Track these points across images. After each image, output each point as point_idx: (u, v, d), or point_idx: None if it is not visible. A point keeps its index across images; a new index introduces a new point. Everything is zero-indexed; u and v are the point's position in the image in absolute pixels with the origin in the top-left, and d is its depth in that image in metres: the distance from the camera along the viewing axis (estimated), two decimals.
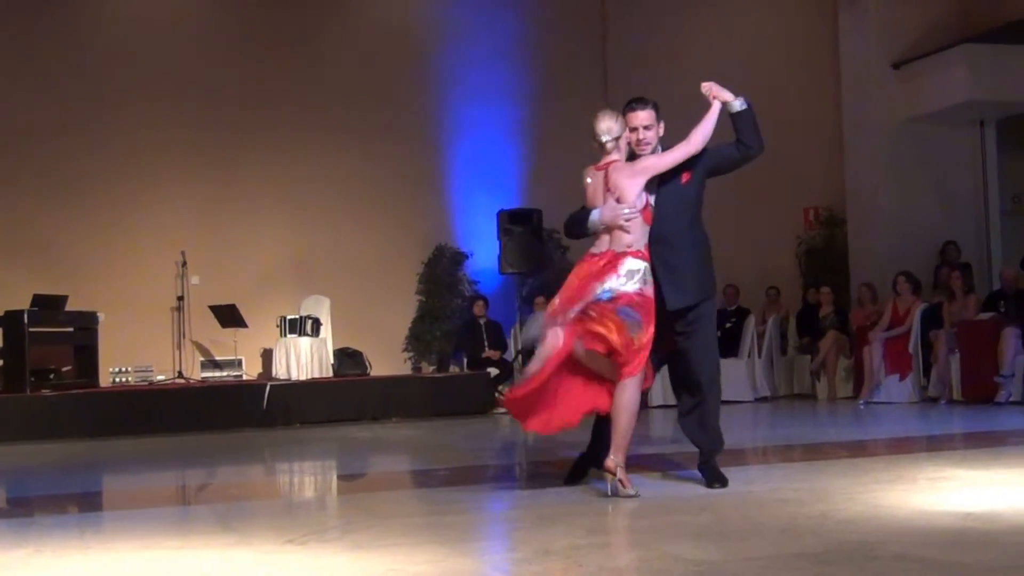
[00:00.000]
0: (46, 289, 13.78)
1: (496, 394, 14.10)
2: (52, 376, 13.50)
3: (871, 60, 14.88)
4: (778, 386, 15.11)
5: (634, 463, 6.89)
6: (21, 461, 10.35)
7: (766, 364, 14.98)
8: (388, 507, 6.46)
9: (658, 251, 6.24)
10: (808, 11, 16.22)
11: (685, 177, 6.35)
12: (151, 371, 14.46)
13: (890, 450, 8.79)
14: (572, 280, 6.20)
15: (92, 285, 14.66)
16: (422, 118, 16.53)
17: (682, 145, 6.26)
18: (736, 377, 14.13)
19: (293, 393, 13.66)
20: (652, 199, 6.27)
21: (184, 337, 15.12)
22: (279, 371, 14.19)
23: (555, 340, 5.99)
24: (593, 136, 6.29)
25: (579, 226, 6.40)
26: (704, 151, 6.32)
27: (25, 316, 12.91)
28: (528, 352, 7.08)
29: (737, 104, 6.35)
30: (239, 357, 14.94)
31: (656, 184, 6.30)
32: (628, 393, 6.11)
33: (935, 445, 9.04)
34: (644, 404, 7.18)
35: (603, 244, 6.21)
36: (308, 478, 9.10)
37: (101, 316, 13.89)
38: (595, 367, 6.09)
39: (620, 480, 6.06)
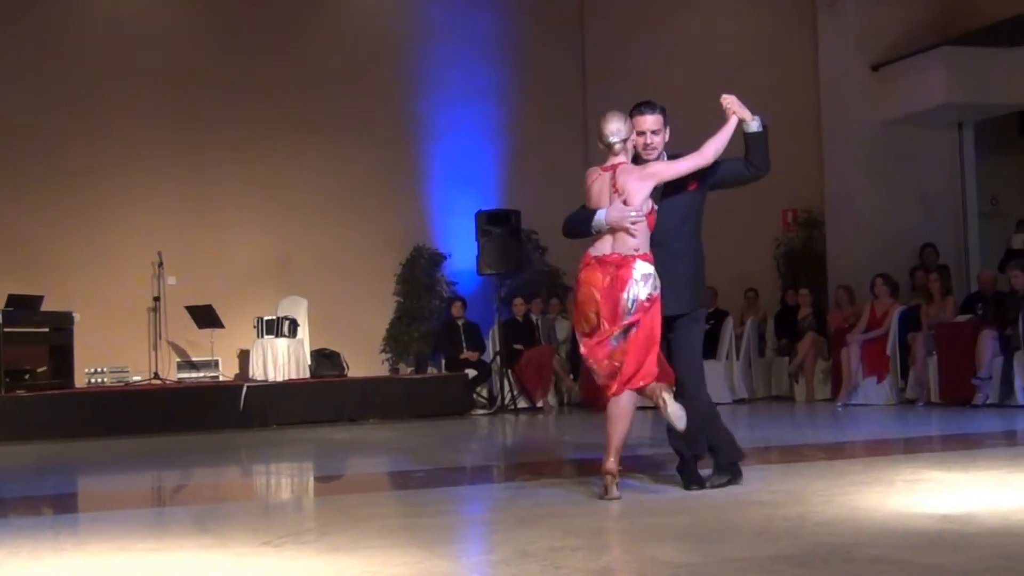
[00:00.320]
0: (21, 289, 13.71)
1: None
2: (27, 377, 13.45)
3: (850, 62, 14.90)
4: (756, 388, 15.13)
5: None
6: None
7: (744, 366, 15.00)
8: (365, 509, 6.42)
9: (659, 256, 6.21)
10: (787, 13, 16.24)
11: (692, 185, 6.34)
12: (127, 372, 14.37)
13: (868, 452, 8.81)
14: (592, 293, 6.11)
15: (68, 285, 14.59)
16: (400, 118, 16.51)
17: (694, 155, 6.22)
18: (714, 379, 14.11)
19: (270, 394, 13.62)
20: (655, 205, 6.23)
21: (160, 338, 15.07)
22: (256, 372, 14.14)
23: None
24: (600, 137, 6.23)
25: (581, 225, 6.32)
26: (715, 161, 6.30)
27: (0, 316, 12.84)
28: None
29: (754, 125, 6.34)
30: (216, 358, 14.88)
31: (662, 189, 6.27)
32: (627, 401, 6.12)
33: (912, 447, 9.05)
34: None
35: (605, 246, 6.16)
36: (285, 480, 9.07)
37: (77, 316, 13.82)
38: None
39: (617, 483, 6.05)
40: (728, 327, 14.82)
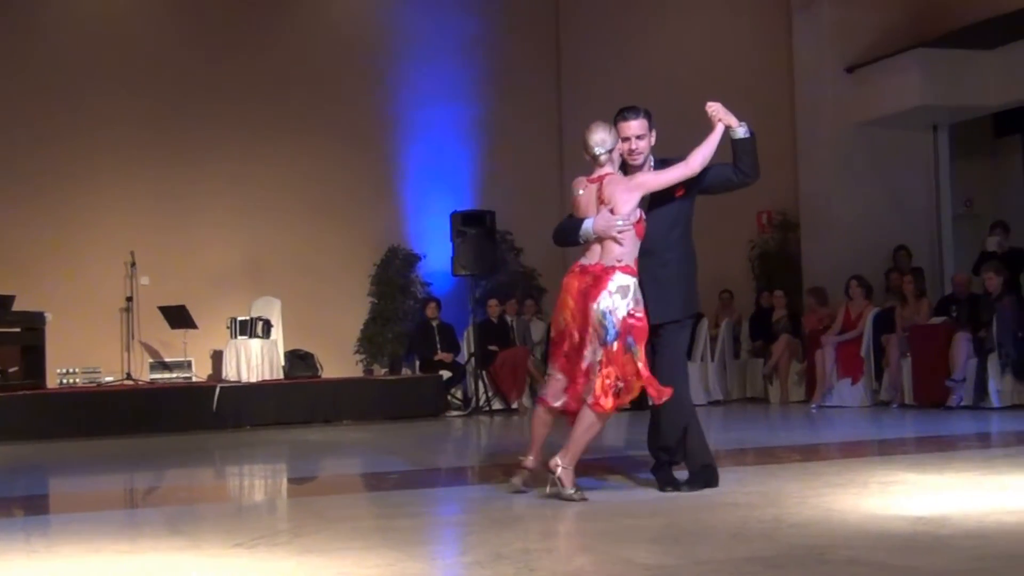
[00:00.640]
0: None
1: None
2: None
3: (824, 64, 14.93)
4: (731, 390, 15.15)
5: (589, 466, 6.87)
6: None
7: (719, 368, 15.02)
8: (338, 510, 6.40)
9: (646, 264, 6.22)
10: (762, 14, 16.26)
11: (680, 191, 6.31)
12: (99, 372, 14.32)
13: (842, 454, 8.83)
14: (566, 299, 6.17)
15: (40, 285, 14.52)
16: (375, 119, 16.50)
17: (681, 165, 6.20)
18: (689, 381, 14.12)
19: (243, 395, 13.57)
20: (644, 214, 6.21)
21: (133, 338, 15.01)
22: (229, 373, 14.08)
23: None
24: (585, 148, 6.21)
25: (570, 234, 6.31)
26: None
27: None
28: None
29: (741, 131, 6.29)
30: (189, 359, 14.83)
31: (649, 198, 6.25)
32: (602, 418, 6.15)
33: (887, 449, 9.07)
34: None
35: (594, 255, 6.17)
36: (258, 481, 9.02)
37: (49, 316, 13.73)
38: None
39: (560, 479, 6.05)
40: (703, 329, 14.83)
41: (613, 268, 6.07)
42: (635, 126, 6.28)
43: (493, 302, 15.52)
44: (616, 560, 4.57)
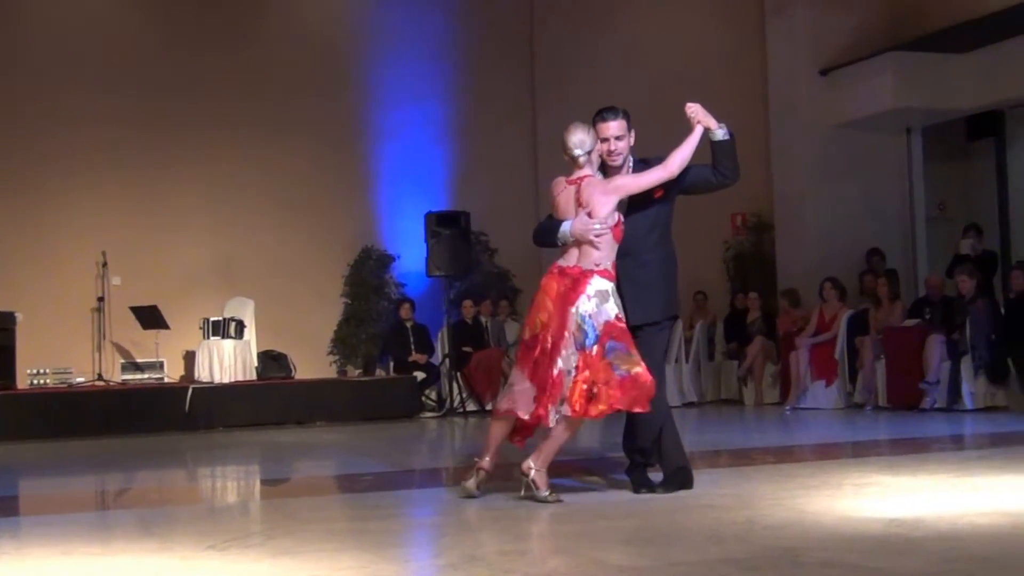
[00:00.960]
0: None
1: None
2: None
3: (799, 67, 14.97)
4: (705, 391, 15.17)
5: (563, 467, 6.86)
6: None
7: (693, 369, 15.04)
8: (312, 512, 6.38)
9: (625, 265, 6.21)
10: (736, 17, 16.29)
11: (659, 192, 6.29)
12: (70, 373, 14.25)
13: (816, 456, 8.84)
14: (544, 301, 6.13)
15: (10, 284, 14.44)
16: (349, 118, 16.45)
17: (659, 168, 6.18)
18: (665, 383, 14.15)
19: (216, 396, 13.51)
20: (622, 216, 6.19)
21: (104, 338, 14.92)
22: (202, 374, 14.01)
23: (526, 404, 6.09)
24: (564, 149, 6.18)
25: (548, 236, 6.29)
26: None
27: None
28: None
29: (720, 133, 6.27)
30: (161, 359, 14.77)
31: (627, 200, 6.24)
32: (576, 423, 6.14)
33: (860, 451, 9.08)
34: None
35: (572, 258, 6.15)
36: (230, 483, 8.98)
37: (19, 316, 13.64)
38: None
39: (533, 481, 6.04)
40: (678, 330, 14.83)
41: (591, 272, 6.05)
42: (614, 127, 6.26)
43: (468, 303, 15.50)
44: (590, 562, 4.57)
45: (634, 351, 6.04)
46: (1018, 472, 6.70)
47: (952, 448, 9.25)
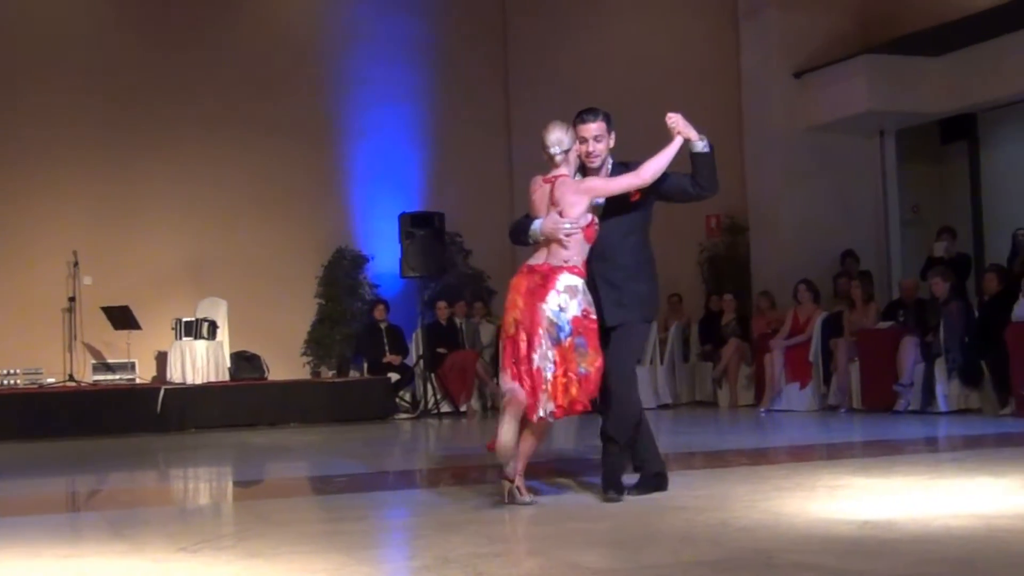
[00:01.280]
0: None
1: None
2: None
3: (772, 69, 14.99)
4: (680, 393, 15.17)
5: (538, 469, 6.85)
6: None
7: (668, 371, 15.04)
8: (284, 514, 6.36)
9: (601, 269, 6.21)
10: (709, 20, 16.30)
11: (636, 196, 6.27)
12: (41, 373, 14.17)
13: (790, 458, 8.85)
14: (515, 299, 6.12)
15: None
16: (323, 118, 16.41)
17: (632, 175, 6.17)
18: (638, 384, 14.13)
19: (188, 397, 13.46)
20: (597, 218, 6.18)
21: (75, 339, 14.83)
22: (174, 375, 13.95)
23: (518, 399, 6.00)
24: (543, 148, 6.19)
25: (520, 234, 6.33)
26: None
27: None
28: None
29: (700, 145, 6.25)
30: (132, 360, 14.70)
31: (605, 200, 6.23)
32: (547, 425, 6.13)
33: (834, 453, 9.11)
34: None
35: (541, 256, 6.16)
36: (203, 484, 8.98)
37: None
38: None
39: (518, 487, 6.03)
40: (652, 332, 14.85)
41: (561, 268, 6.05)
42: (593, 128, 6.25)
43: (442, 304, 15.46)
44: (564, 564, 4.56)
45: (592, 348, 6.04)
46: (991, 474, 6.72)
47: (925, 450, 9.28)
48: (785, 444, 10.09)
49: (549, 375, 5.96)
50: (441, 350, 14.96)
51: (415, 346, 15.21)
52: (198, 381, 13.86)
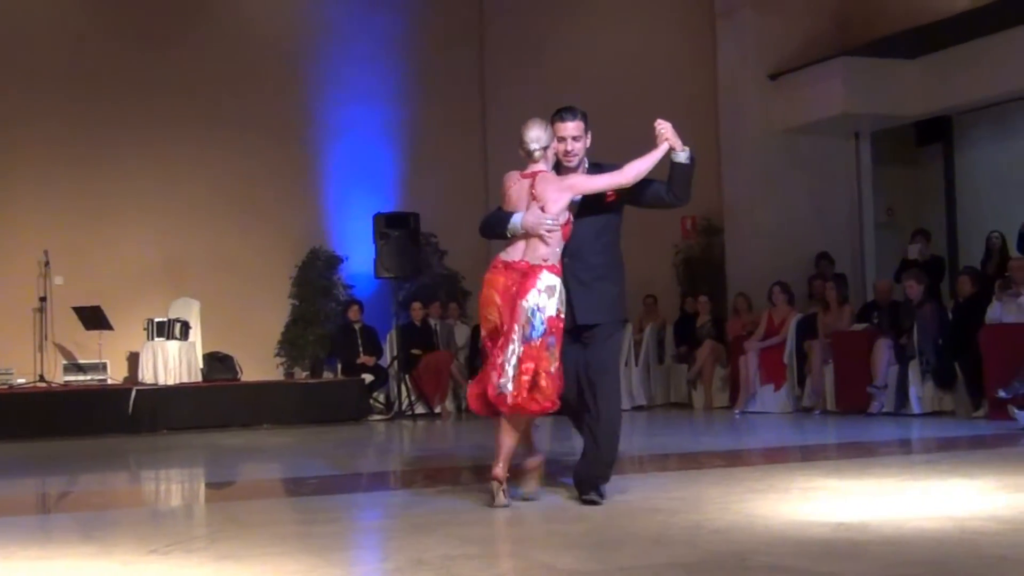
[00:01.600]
0: None
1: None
2: None
3: (748, 71, 15.01)
4: (655, 395, 15.17)
5: (511, 472, 6.83)
6: None
7: (643, 373, 15.03)
8: (256, 516, 6.35)
9: (573, 267, 6.21)
10: (686, 21, 16.31)
11: (611, 196, 6.29)
12: (11, 374, 14.10)
13: (764, 460, 8.87)
14: (492, 296, 6.10)
15: None
16: (297, 118, 16.36)
17: (615, 174, 6.19)
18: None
19: (160, 398, 13.38)
20: (572, 216, 6.18)
21: (46, 339, 14.74)
22: (146, 375, 13.88)
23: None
24: (521, 144, 6.19)
25: (497, 227, 6.29)
26: None
27: None
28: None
29: (682, 156, 6.27)
30: (104, 360, 14.62)
31: (580, 199, 6.24)
32: (524, 418, 6.11)
33: (808, 455, 9.13)
34: None
35: (517, 252, 6.13)
36: (174, 486, 8.93)
37: None
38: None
39: (504, 490, 6.01)
40: (627, 334, 14.84)
41: (540, 267, 6.04)
42: (571, 127, 6.27)
43: (416, 305, 15.42)
44: (538, 566, 4.56)
45: (558, 349, 6.04)
46: (964, 476, 6.74)
47: (899, 452, 9.31)
48: (759, 446, 10.13)
49: (511, 369, 5.93)
50: (416, 351, 14.93)
51: (389, 347, 15.17)
52: (170, 382, 13.79)
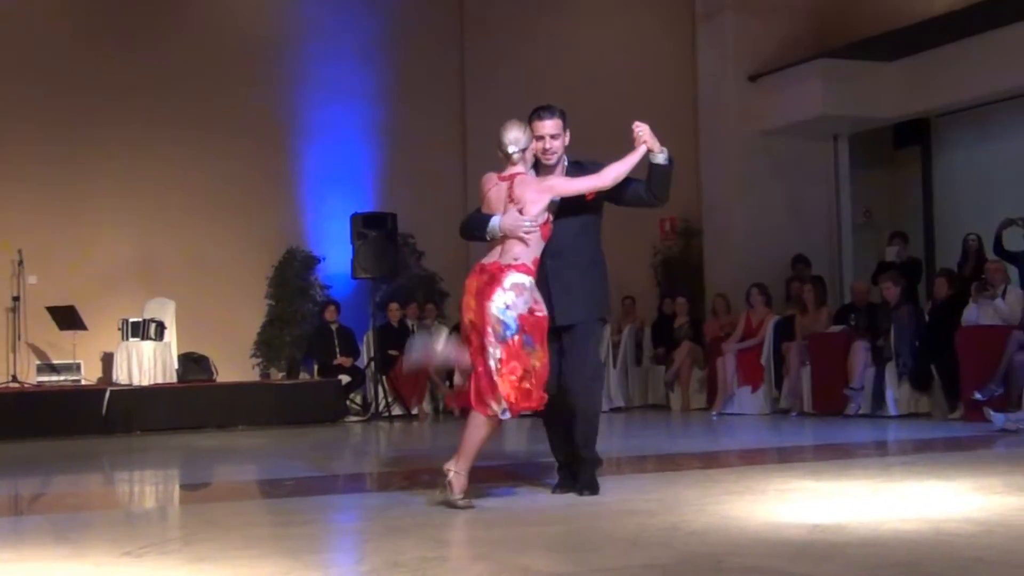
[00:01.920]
0: None
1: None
2: None
3: (727, 72, 15.05)
4: (632, 396, 15.18)
5: (490, 472, 6.82)
6: None
7: (620, 374, 15.04)
8: (232, 518, 6.30)
9: (554, 266, 6.24)
10: (666, 22, 16.36)
11: (591, 195, 6.33)
12: None
13: (741, 461, 8.87)
14: (468, 300, 6.13)
15: None
16: (274, 117, 16.30)
17: (594, 177, 6.24)
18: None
19: (134, 399, 13.31)
20: (551, 216, 6.19)
21: (19, 339, 14.64)
22: (120, 376, 13.81)
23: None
24: (499, 146, 6.22)
25: (476, 230, 6.30)
26: None
27: None
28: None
29: (660, 157, 6.32)
30: (78, 361, 14.55)
31: (559, 200, 6.26)
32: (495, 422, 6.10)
33: (785, 457, 9.15)
34: None
35: (494, 254, 6.16)
36: (148, 487, 8.89)
37: None
38: None
39: (450, 483, 5.99)
40: (605, 335, 14.83)
41: (509, 266, 6.05)
42: (550, 125, 6.29)
43: (394, 306, 15.38)
44: (514, 568, 4.54)
45: (539, 345, 6.04)
46: (940, 478, 6.75)
47: (875, 454, 9.32)
48: (736, 448, 10.13)
49: (495, 375, 5.92)
50: (393, 352, 14.87)
51: (366, 348, 15.13)
52: (145, 383, 13.72)
